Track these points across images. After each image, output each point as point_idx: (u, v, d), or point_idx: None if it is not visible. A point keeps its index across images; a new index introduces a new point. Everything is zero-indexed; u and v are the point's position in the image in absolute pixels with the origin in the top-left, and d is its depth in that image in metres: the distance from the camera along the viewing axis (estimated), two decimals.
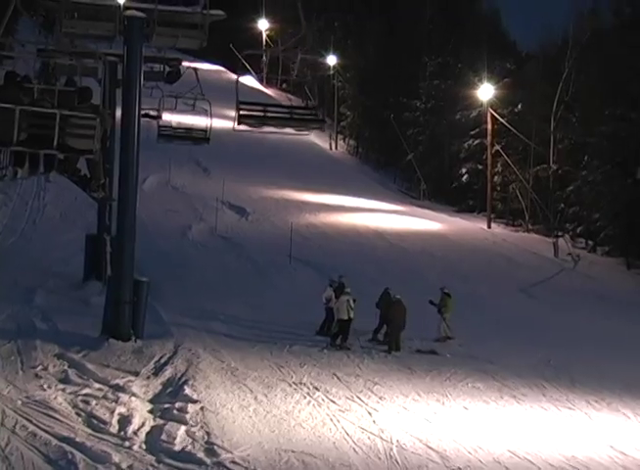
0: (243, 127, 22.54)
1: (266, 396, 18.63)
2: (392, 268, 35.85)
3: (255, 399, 18.35)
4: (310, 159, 65.83)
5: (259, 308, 27.36)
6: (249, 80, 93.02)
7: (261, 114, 23.32)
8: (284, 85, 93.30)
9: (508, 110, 54.58)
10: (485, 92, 52.80)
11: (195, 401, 17.53)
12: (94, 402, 17.07)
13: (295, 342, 23.76)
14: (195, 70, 31.75)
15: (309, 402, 18.44)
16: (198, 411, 17.02)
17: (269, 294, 29.83)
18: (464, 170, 58.66)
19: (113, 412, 16.61)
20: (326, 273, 33.45)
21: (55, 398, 17.16)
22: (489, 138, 52.10)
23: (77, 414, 16.44)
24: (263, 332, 24.70)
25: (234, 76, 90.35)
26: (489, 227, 51.27)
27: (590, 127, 47.84)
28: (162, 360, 20.42)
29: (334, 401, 18.63)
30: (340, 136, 77.61)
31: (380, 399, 19.16)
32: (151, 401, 17.68)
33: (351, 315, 23.71)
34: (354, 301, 24.18)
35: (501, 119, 51.67)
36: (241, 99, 22.82)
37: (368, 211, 49.78)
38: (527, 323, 29.10)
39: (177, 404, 17.35)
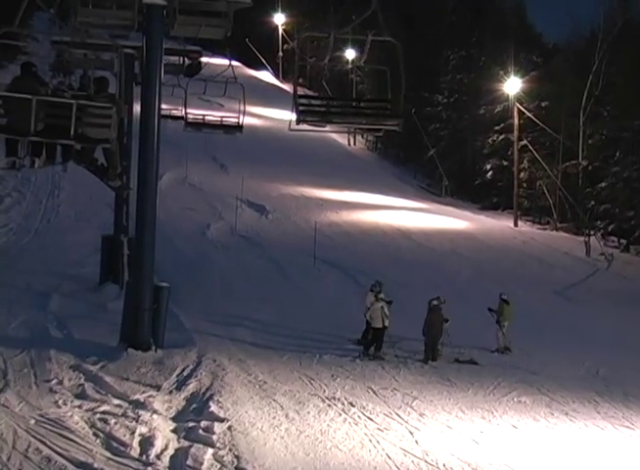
0: (301, 127, 19.46)
1: (298, 413, 17.22)
2: (421, 270, 34.49)
3: (287, 416, 16.96)
4: (328, 154, 64.82)
5: (285, 314, 26.01)
6: (264, 75, 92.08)
7: (324, 109, 19.84)
8: (300, 80, 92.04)
9: (535, 104, 53.07)
10: (512, 86, 51.27)
11: (222, 420, 16.15)
12: (113, 421, 15.72)
13: (324, 351, 22.34)
14: (227, 51, 30.40)
15: (345, 420, 17.02)
16: (225, 431, 15.64)
17: (294, 297, 28.47)
18: (488, 167, 57.22)
19: (133, 433, 15.24)
20: (352, 275, 32.22)
21: (71, 416, 15.82)
22: (516, 133, 50.62)
23: (95, 435, 15.10)
24: (290, 340, 23.32)
25: (250, 72, 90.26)
26: (516, 225, 49.91)
27: (624, 122, 46.30)
28: (185, 373, 19.03)
29: (371, 419, 17.21)
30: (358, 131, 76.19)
31: (420, 415, 17.73)
32: (174, 420, 16.32)
33: (386, 323, 22.30)
34: (390, 303, 22.83)
35: (528, 114, 50.19)
36: (296, 93, 19.29)
37: (390, 209, 48.48)
38: (567, 329, 27.66)
39: (203, 423, 15.98)
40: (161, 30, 20.91)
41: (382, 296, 22.73)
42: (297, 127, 18.73)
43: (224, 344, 22.01)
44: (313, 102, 20.27)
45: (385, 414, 17.56)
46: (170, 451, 14.67)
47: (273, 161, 56.95)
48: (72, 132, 16.78)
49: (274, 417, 16.84)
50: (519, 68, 53.04)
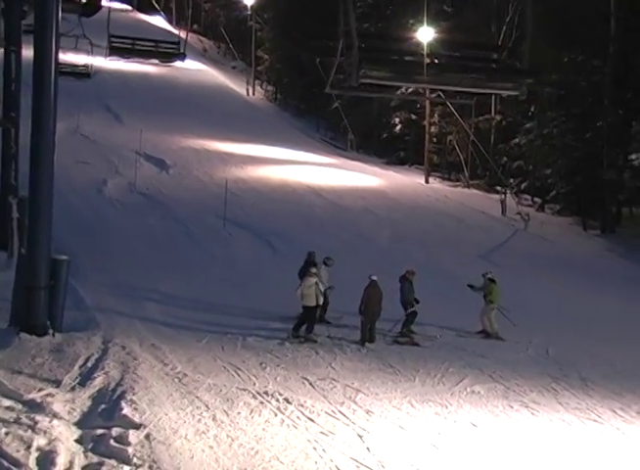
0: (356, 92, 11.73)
1: (227, 414, 14.48)
2: (338, 232, 32.01)
3: (214, 419, 14.19)
4: (227, 105, 62.10)
5: (197, 285, 23.23)
6: (157, 20, 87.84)
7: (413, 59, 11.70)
8: (195, 26, 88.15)
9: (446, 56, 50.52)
10: (425, 35, 48.67)
11: (138, 426, 13.32)
12: (3, 431, 12.68)
13: (247, 331, 19.64)
14: None
15: (282, 422, 14.35)
16: (143, 441, 12.82)
17: (205, 265, 25.67)
18: (397, 120, 54.69)
19: (29, 447, 12.25)
20: (266, 239, 29.65)
21: None
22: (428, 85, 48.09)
23: None
24: (207, 317, 20.54)
25: (141, 16, 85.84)
26: (427, 182, 47.74)
27: (540, 76, 44.12)
28: (90, 363, 16.12)
29: (312, 420, 14.55)
30: (257, 81, 73.38)
31: (367, 413, 15.18)
32: (78, 425, 13.40)
33: (320, 301, 19.57)
34: (331, 288, 20.26)
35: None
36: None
37: (297, 164, 45.89)
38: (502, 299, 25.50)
39: (115, 431, 13.09)
40: None
41: (315, 270, 19.97)
42: (341, 89, 11.54)
43: (133, 325, 19.14)
44: (379, 45, 11.37)
45: (327, 413, 14.95)
46: None
47: (170, 111, 53.82)
48: None
49: (199, 420, 14.08)
50: (429, 18, 50.30)
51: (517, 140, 46.05)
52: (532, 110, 45.90)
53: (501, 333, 21.81)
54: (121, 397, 14.50)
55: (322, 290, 19.40)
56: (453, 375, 17.84)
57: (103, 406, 14.12)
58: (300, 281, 20.12)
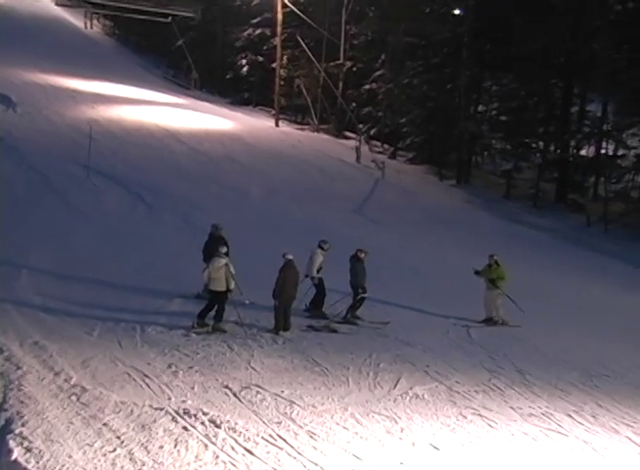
0: None
1: (146, 448, 10.41)
2: (207, 184, 28.09)
3: (132, 458, 10.10)
4: (66, 38, 56.56)
5: (71, 254, 18.80)
6: None
7: None
8: None
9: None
10: None
11: None
12: None
13: (143, 318, 15.43)
14: None
15: (216, 458, 10.36)
16: None
17: (76, 226, 21.19)
18: (244, 61, 50.26)
19: None
20: (136, 193, 25.25)
21: None
22: (279, 28, 43.87)
23: None
24: (92, 299, 16.18)
25: None
26: (277, 125, 43.87)
27: (394, 23, 40.52)
28: None
29: (251, 452, 10.63)
30: (95, 15, 67.13)
31: (311, 437, 11.38)
32: None
33: (231, 286, 15.47)
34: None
35: (293, 7, 43.53)
36: None
37: (148, 104, 41.30)
38: (393, 264, 22.15)
39: None
40: None
41: (225, 250, 15.72)
42: None
43: (7, 314, 14.66)
44: None
45: (264, 439, 11.10)
46: None
47: (8, 43, 47.78)
48: None
49: (114, 462, 9.98)
50: None
51: (367, 86, 42.67)
52: (383, 57, 42.51)
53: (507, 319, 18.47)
54: (7, 429, 10.37)
55: (233, 272, 15.29)
56: (386, 372, 14.21)
57: None
58: (206, 261, 16.09)
